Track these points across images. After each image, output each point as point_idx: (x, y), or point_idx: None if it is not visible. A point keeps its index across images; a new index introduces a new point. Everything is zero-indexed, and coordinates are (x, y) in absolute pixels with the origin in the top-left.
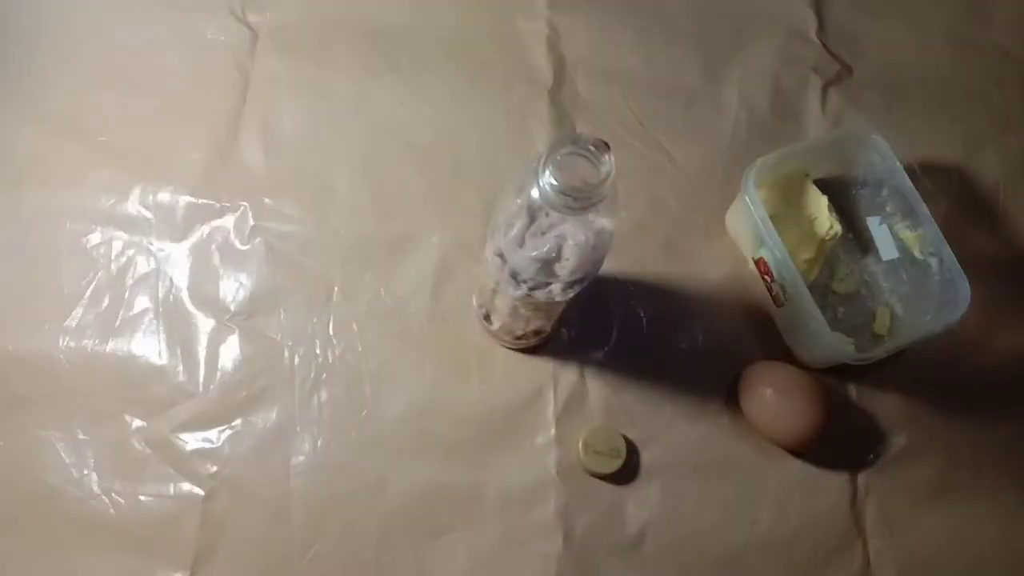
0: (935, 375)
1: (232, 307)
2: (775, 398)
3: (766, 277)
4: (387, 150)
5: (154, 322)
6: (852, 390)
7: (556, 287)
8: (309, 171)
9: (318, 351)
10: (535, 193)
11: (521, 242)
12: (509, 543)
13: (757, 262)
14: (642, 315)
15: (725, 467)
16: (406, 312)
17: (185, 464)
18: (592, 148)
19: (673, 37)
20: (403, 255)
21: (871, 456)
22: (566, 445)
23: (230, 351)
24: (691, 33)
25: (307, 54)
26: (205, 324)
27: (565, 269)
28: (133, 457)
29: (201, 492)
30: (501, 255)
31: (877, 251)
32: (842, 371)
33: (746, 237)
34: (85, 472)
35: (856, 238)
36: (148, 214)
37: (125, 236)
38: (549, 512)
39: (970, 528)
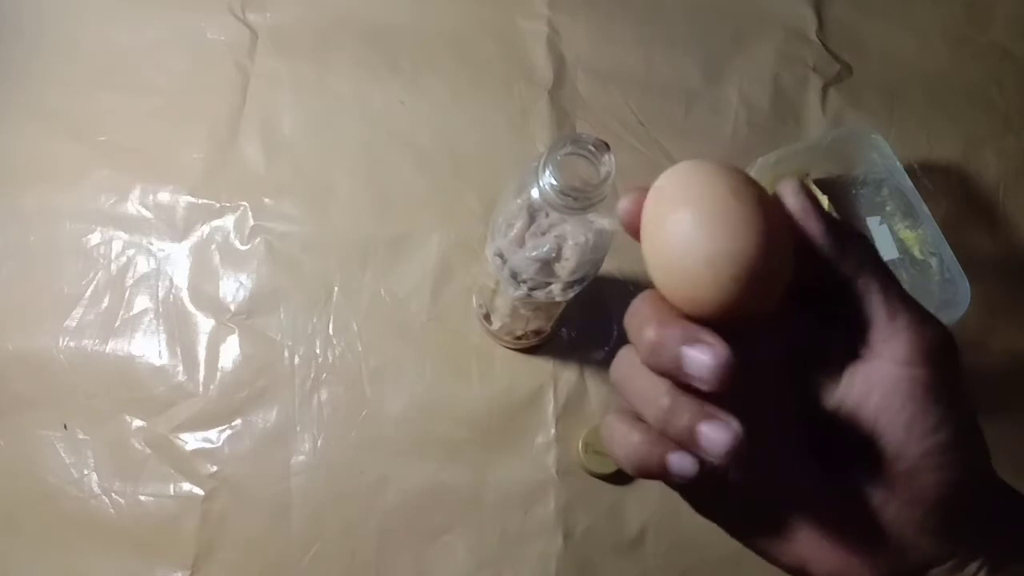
0: None
1: (232, 307)
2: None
3: None
4: (387, 150)
5: (154, 322)
6: None
7: (556, 287)
8: (309, 171)
9: (318, 351)
10: (535, 193)
11: (521, 242)
12: (509, 543)
13: None
14: None
15: None
16: (406, 312)
17: (185, 464)
18: (592, 148)
19: (673, 37)
20: (403, 255)
21: None
22: (566, 445)
23: (230, 351)
24: (691, 33)
25: (307, 54)
26: (205, 324)
27: (565, 269)
28: (133, 457)
29: (201, 492)
30: (501, 255)
31: None
32: None
33: None
34: (85, 472)
35: None
36: (148, 214)
37: (125, 236)
38: (549, 512)
39: None
